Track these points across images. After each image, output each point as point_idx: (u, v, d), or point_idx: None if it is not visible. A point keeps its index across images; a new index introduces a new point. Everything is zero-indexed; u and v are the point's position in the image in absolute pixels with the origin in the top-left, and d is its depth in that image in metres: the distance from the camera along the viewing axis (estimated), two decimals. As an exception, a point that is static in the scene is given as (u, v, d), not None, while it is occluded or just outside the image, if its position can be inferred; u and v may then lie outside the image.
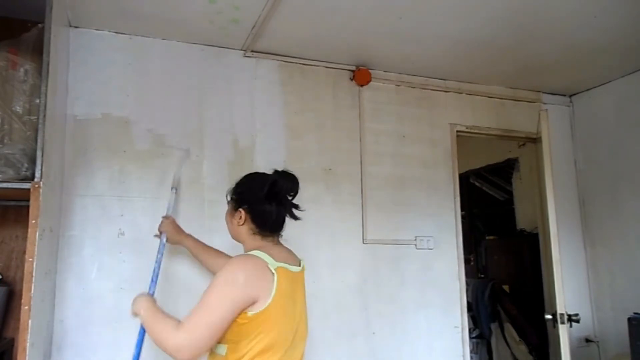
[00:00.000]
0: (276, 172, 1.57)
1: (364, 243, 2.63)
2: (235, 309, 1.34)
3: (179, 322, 1.35)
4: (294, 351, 1.47)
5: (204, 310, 1.34)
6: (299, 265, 1.59)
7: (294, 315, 1.48)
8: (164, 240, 1.97)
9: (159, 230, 2.02)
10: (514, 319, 3.59)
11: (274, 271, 1.40)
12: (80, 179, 2.17)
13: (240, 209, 1.55)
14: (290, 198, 1.58)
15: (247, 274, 1.37)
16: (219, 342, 1.39)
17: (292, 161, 2.54)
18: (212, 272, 1.90)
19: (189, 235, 2.03)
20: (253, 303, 1.35)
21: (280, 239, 1.61)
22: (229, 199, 1.63)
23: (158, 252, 1.92)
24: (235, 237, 1.62)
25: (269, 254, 1.44)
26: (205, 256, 1.99)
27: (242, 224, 1.55)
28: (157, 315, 1.44)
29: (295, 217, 1.58)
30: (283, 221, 1.57)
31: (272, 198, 1.52)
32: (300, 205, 1.59)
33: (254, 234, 1.54)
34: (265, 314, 1.36)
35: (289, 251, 1.61)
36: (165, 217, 2.05)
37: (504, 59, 2.70)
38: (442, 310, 2.74)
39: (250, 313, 1.35)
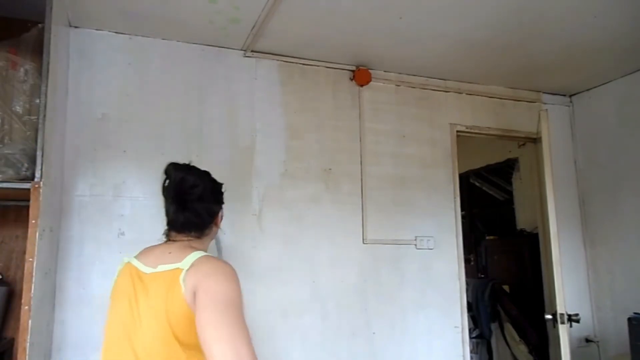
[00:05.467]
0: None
1: (364, 243, 2.63)
2: None
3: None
4: None
5: None
6: (171, 266, 1.26)
7: (125, 316, 1.26)
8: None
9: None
10: (514, 319, 3.59)
11: (120, 267, 1.41)
12: (80, 179, 2.17)
13: None
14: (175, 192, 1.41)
15: None
16: None
17: (292, 161, 2.55)
18: None
19: None
20: None
21: (180, 236, 1.41)
22: None
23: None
24: None
25: (142, 251, 1.43)
26: None
27: None
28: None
29: None
30: (173, 215, 1.42)
31: (163, 191, 1.44)
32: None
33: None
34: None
35: (177, 250, 1.33)
36: None
37: (504, 59, 2.70)
38: (442, 310, 2.74)
39: None
